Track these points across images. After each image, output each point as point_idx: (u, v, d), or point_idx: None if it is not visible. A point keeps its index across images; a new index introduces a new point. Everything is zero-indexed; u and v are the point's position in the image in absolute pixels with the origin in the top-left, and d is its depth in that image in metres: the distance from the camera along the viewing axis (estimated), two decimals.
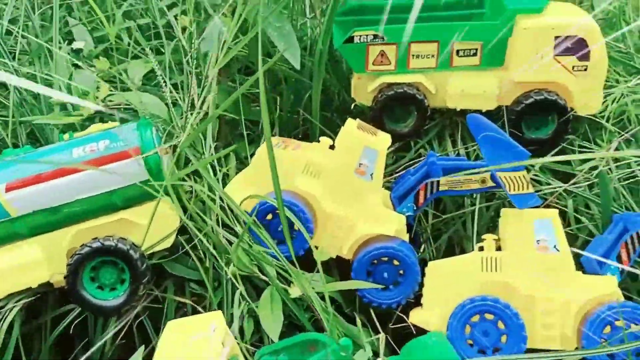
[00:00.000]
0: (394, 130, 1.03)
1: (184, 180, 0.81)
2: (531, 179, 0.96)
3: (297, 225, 0.81)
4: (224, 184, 0.89)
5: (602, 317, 0.75)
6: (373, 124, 1.01)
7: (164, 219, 0.81)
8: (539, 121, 1.00)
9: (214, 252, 0.82)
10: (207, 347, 0.66)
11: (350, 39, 0.98)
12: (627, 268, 0.79)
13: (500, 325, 0.79)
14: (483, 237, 0.88)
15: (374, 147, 0.87)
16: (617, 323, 0.76)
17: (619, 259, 0.81)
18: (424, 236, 0.99)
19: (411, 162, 1.01)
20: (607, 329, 0.76)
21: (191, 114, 0.81)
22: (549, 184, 0.93)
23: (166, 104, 0.85)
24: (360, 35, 0.98)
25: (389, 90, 1.00)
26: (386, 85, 1.01)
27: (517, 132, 0.99)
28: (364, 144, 0.87)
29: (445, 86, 1.01)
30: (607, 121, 0.97)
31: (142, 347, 0.73)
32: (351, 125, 0.89)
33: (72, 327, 0.83)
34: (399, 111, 1.02)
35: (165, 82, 0.88)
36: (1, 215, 0.76)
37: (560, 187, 0.91)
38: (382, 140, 0.89)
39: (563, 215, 0.92)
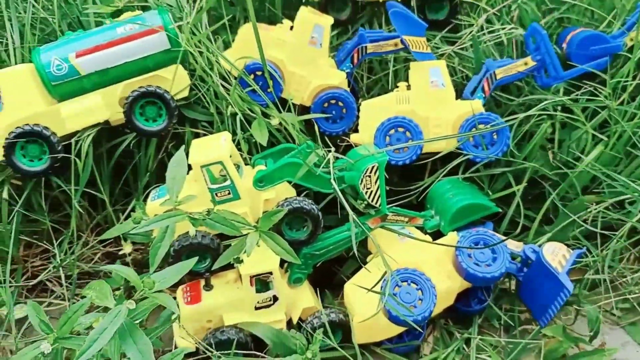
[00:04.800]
0: (337, 18, 1.42)
1: (196, 47, 1.18)
2: (433, 45, 1.38)
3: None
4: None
5: (469, 123, 1.20)
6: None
7: (181, 77, 1.19)
8: (438, 6, 1.41)
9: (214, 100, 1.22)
10: (220, 144, 1.07)
11: None
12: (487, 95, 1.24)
13: (408, 134, 1.22)
14: (397, 84, 1.31)
15: (321, 23, 1.26)
16: (479, 126, 1.20)
17: (483, 90, 1.24)
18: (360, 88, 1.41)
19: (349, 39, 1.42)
20: (473, 130, 1.21)
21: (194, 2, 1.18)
22: (440, 47, 1.35)
23: None
24: None
25: None
26: None
27: (422, 14, 1.40)
28: (314, 22, 1.26)
29: None
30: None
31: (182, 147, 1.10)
32: (304, 10, 1.27)
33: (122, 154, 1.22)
34: (338, 3, 1.41)
35: None
36: (74, 74, 1.13)
37: (449, 49, 1.34)
38: (327, 19, 1.28)
39: (454, 69, 1.35)
